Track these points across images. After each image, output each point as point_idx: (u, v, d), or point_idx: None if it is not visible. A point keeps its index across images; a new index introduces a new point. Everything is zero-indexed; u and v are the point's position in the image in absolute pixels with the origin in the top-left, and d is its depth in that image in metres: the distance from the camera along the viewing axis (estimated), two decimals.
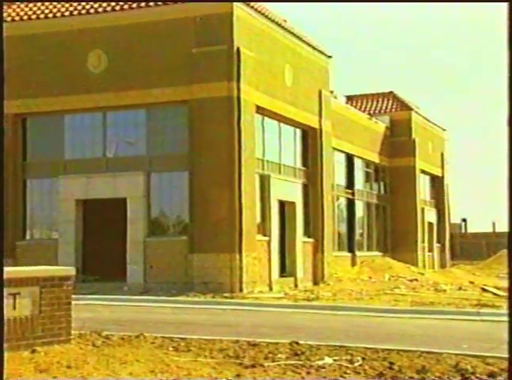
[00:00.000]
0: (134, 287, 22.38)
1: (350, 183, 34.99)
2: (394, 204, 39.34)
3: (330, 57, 29.44)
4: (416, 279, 28.96)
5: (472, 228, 61.16)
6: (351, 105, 39.39)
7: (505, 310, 14.69)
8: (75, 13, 23.74)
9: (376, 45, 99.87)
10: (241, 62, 22.29)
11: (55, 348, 8.70)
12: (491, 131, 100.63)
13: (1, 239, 6.09)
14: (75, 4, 23.95)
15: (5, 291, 7.43)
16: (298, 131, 27.94)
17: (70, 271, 9.60)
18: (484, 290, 24.80)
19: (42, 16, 24.21)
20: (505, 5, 5.02)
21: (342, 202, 34.49)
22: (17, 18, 24.37)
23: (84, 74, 23.52)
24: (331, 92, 31.39)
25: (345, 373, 7.88)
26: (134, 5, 23.05)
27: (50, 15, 24.09)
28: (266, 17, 24.38)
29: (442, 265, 44.32)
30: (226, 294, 20.92)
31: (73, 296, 9.38)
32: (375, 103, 41.28)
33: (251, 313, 17.13)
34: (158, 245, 22.94)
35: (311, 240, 27.77)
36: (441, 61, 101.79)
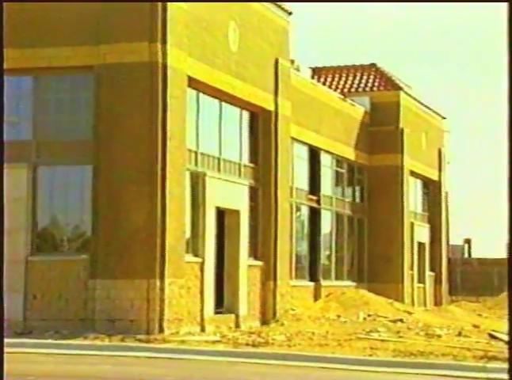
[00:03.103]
0: (9, 326, 22.04)
1: (315, 186, 35.17)
2: (373, 217, 39.70)
3: (290, 13, 29.60)
4: (401, 320, 29.22)
5: (479, 252, 62.23)
6: (318, 81, 39.66)
7: None
8: None
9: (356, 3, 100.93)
10: (168, 16, 22.24)
11: None
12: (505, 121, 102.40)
13: (1, 241, 7.00)
14: None
15: None
16: (245, 114, 28.02)
17: None
18: (493, 337, 25.17)
19: None
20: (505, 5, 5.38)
21: (304, 212, 34.66)
22: None
23: None
24: (292, 62, 31.50)
25: None
26: None
27: None
28: None
29: (437, 302, 44.90)
30: (140, 337, 20.86)
31: None
32: (351, 78, 41.64)
33: (174, 362, 17.21)
34: (46, 266, 22.75)
35: (259, 263, 27.83)
36: (440, 29, 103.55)
